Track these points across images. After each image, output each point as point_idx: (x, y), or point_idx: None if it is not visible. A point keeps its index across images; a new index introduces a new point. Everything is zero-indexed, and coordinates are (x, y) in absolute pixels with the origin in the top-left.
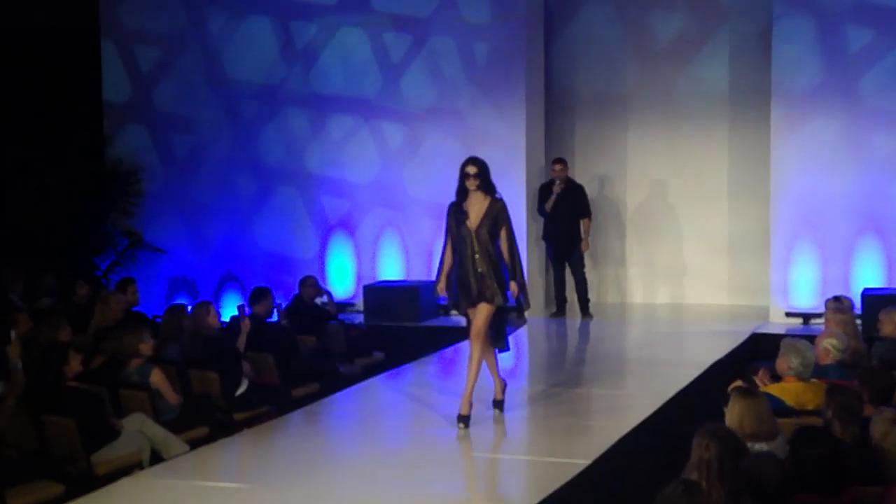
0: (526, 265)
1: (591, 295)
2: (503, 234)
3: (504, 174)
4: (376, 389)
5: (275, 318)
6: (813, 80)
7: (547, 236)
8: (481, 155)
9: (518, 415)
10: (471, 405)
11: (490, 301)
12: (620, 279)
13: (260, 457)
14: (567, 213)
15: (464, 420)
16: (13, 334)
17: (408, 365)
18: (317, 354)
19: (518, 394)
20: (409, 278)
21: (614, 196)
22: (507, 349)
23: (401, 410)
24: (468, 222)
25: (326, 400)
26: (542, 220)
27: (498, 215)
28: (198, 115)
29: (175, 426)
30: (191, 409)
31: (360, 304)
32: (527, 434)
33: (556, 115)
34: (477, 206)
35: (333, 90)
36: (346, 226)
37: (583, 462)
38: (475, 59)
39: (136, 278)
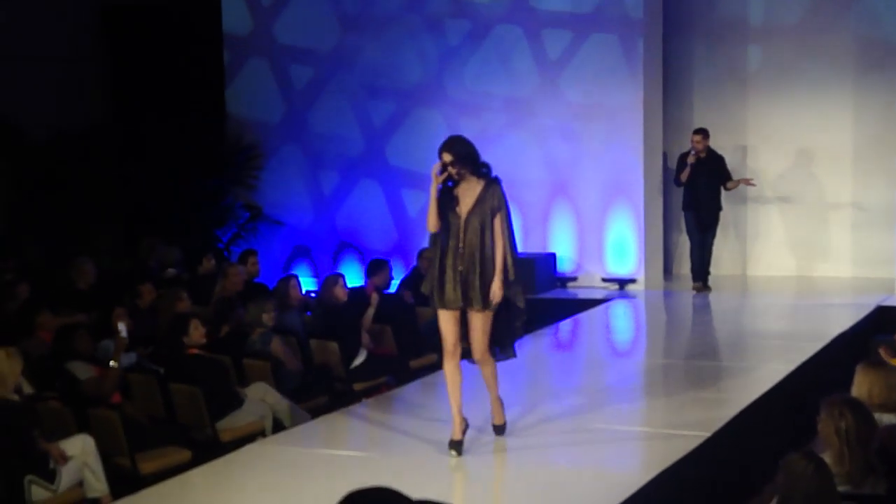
0: (643, 236)
1: (712, 267)
2: (497, 223)
3: (621, 147)
4: None
5: (393, 289)
6: None
7: (688, 206)
8: (599, 128)
9: (635, 387)
10: (464, 428)
11: (481, 307)
12: (741, 251)
13: (379, 426)
14: (707, 184)
15: (456, 447)
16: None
17: (524, 337)
18: (434, 326)
19: (635, 367)
20: (525, 250)
21: (735, 167)
22: (514, 356)
23: (516, 382)
24: (458, 209)
25: (440, 371)
26: (670, 191)
27: (493, 201)
28: (319, 48)
29: (296, 395)
30: (311, 378)
31: None
32: (645, 406)
33: (673, 83)
34: (470, 191)
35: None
36: None
37: (703, 434)
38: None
39: (257, 250)
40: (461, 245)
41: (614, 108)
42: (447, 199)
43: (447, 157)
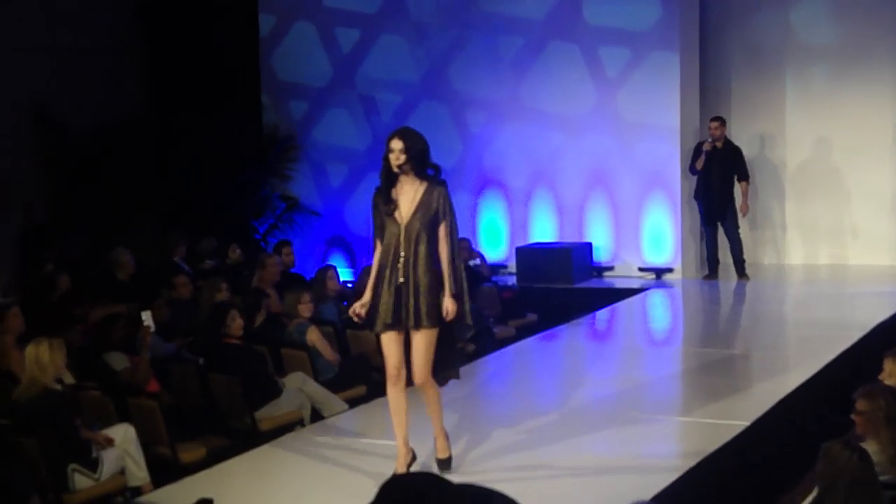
0: (680, 226)
1: (747, 256)
2: (442, 230)
3: (657, 131)
4: (529, 351)
5: None
6: None
7: (698, 196)
8: (635, 113)
9: (674, 376)
10: (409, 461)
11: (427, 325)
12: (778, 240)
13: (416, 415)
14: (720, 174)
15: None
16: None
17: (561, 326)
18: (473, 313)
19: (672, 356)
20: (562, 240)
21: (772, 155)
22: (458, 376)
23: (554, 371)
24: (397, 215)
25: (480, 360)
26: (694, 178)
27: (438, 205)
28: (366, 9)
29: (333, 385)
30: (349, 368)
31: (512, 265)
32: (683, 395)
33: (711, 72)
34: (409, 194)
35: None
36: (499, 186)
37: (741, 424)
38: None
39: (292, 241)
40: (401, 255)
41: (652, 99)
42: (384, 203)
43: (396, 144)
